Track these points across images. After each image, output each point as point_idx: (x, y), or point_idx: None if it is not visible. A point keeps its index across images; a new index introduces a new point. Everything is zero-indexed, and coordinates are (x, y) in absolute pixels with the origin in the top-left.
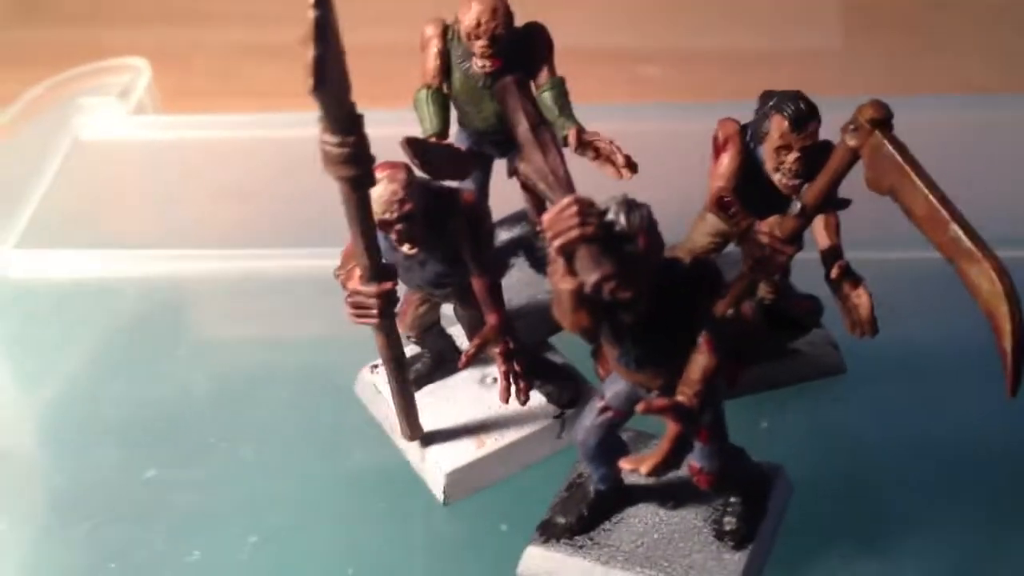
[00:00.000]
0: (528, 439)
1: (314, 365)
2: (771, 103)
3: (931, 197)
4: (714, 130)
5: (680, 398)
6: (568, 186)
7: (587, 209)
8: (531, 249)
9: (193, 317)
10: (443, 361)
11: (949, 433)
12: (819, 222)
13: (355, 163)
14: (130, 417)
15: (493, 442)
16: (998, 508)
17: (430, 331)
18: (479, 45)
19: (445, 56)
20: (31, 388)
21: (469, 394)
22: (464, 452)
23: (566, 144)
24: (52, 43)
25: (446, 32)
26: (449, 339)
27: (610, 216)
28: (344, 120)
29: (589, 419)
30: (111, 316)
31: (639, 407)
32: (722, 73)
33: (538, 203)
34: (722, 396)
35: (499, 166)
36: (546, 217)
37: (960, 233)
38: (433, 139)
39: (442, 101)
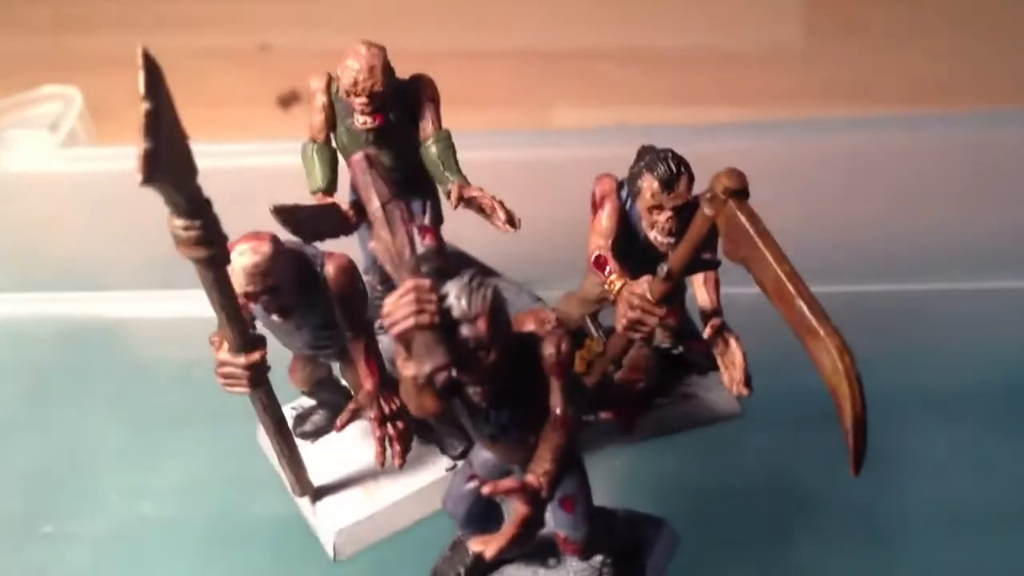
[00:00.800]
0: (421, 492)
1: (227, 412)
2: (643, 162)
3: (779, 271)
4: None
5: (529, 478)
6: (413, 269)
7: (424, 296)
8: None
9: (111, 361)
10: (338, 413)
11: (840, 484)
12: (697, 279)
13: (205, 244)
14: (35, 467)
15: (385, 496)
16: (891, 567)
17: (322, 384)
18: (358, 102)
19: (330, 110)
20: None
21: (363, 447)
22: (355, 507)
23: (449, 198)
24: None
25: (330, 86)
26: (344, 390)
27: (450, 301)
28: (188, 204)
29: (456, 488)
30: (28, 360)
31: (484, 489)
32: (683, 73)
33: (439, 251)
34: (580, 463)
35: None
36: (386, 303)
37: (804, 309)
38: (307, 202)
39: (328, 155)
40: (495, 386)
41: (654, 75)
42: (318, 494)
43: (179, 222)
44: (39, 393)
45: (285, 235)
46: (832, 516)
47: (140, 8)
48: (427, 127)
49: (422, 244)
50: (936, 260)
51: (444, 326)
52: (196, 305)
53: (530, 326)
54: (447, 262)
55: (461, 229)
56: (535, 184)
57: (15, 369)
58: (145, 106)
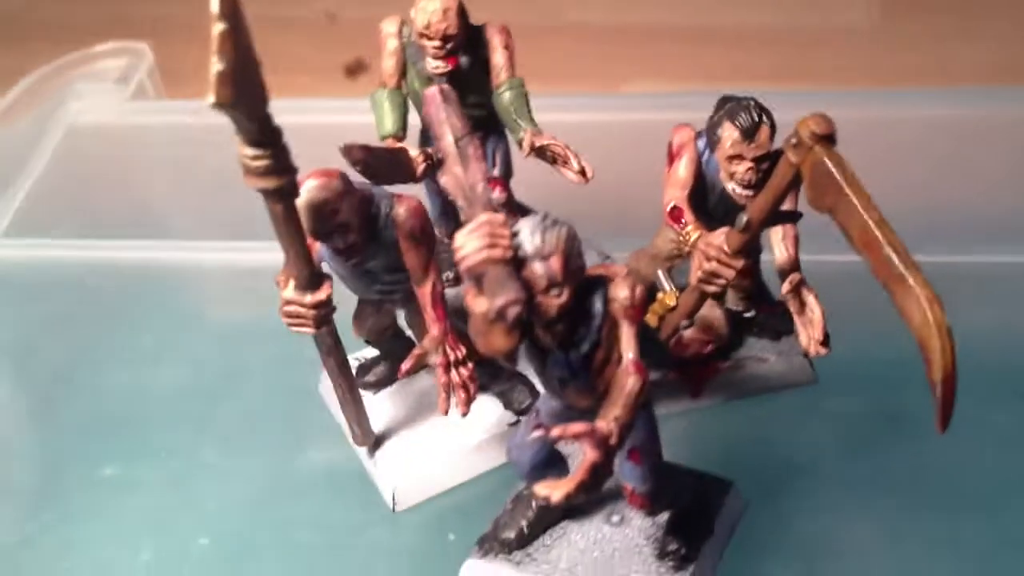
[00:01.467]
0: (483, 445)
1: (285, 360)
2: (723, 110)
3: (867, 217)
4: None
5: (600, 423)
6: (486, 204)
7: (498, 230)
8: None
9: (176, 308)
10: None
11: (913, 454)
12: (775, 233)
13: (274, 175)
14: (96, 410)
15: (447, 448)
16: (959, 534)
17: (385, 334)
18: (431, 46)
19: (401, 55)
20: (4, 376)
21: (426, 399)
22: (415, 458)
23: (521, 147)
24: (53, 21)
25: (402, 30)
26: (407, 341)
27: (523, 237)
28: (259, 133)
29: (520, 436)
30: (91, 306)
31: (552, 432)
32: (752, 53)
33: (509, 203)
34: (651, 414)
35: None
36: (457, 236)
37: (894, 257)
38: (377, 143)
39: (399, 101)
40: (566, 327)
41: (722, 55)
42: (379, 444)
43: (249, 151)
44: (104, 338)
45: (354, 175)
46: (904, 484)
47: None
48: (500, 74)
49: (493, 194)
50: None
51: (516, 261)
52: (259, 255)
53: None
54: (515, 216)
55: (529, 185)
56: (605, 145)
57: (80, 314)
58: (219, 26)
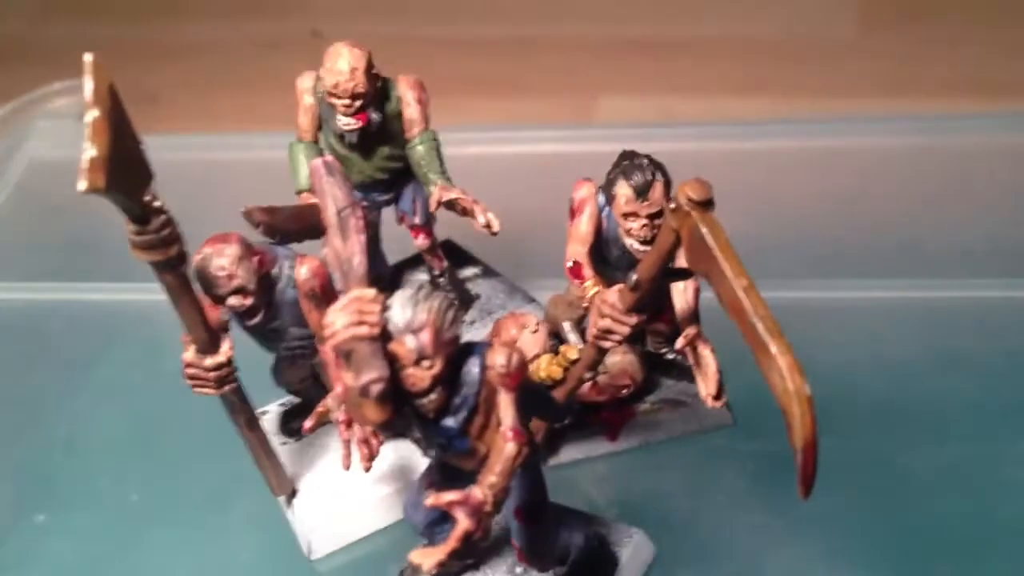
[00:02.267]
0: (397, 493)
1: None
2: (619, 168)
3: (735, 285)
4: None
5: (475, 491)
6: (360, 279)
7: (366, 306)
8: None
9: (120, 352)
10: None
11: (829, 498)
12: (676, 284)
13: (158, 248)
14: (30, 457)
15: (361, 497)
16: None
17: (305, 383)
18: (340, 104)
19: (316, 110)
20: None
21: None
22: (330, 508)
23: (430, 201)
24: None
25: (316, 86)
26: (327, 388)
27: (394, 311)
28: (140, 210)
29: (415, 495)
30: (39, 349)
31: (427, 502)
32: (731, 63)
33: (432, 249)
34: (537, 474)
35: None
36: (328, 313)
37: (759, 324)
38: (283, 203)
39: (314, 155)
40: (442, 396)
41: (702, 65)
42: (296, 493)
43: (132, 227)
44: (51, 382)
45: (255, 235)
46: (818, 530)
47: None
48: (412, 128)
49: (415, 242)
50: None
51: (386, 335)
52: None
53: (510, 330)
54: (441, 260)
55: (462, 224)
56: (542, 178)
57: (29, 357)
58: (92, 113)
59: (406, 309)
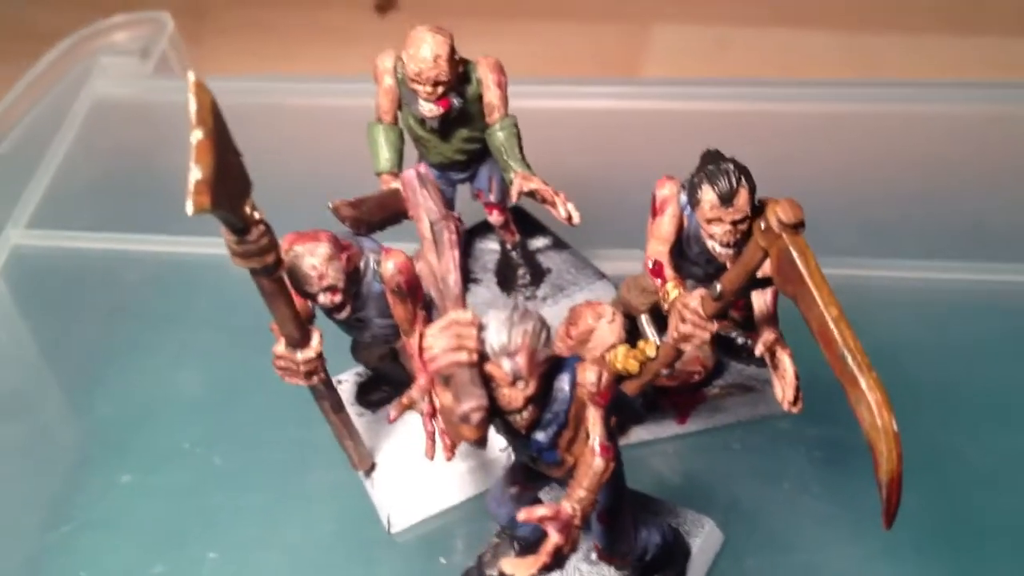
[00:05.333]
0: (474, 469)
1: None
2: (704, 172)
3: (825, 313)
4: (653, 187)
5: (564, 506)
6: (456, 299)
7: (465, 331)
8: (503, 266)
9: (193, 305)
10: (400, 385)
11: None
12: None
13: (256, 256)
14: (118, 413)
15: (440, 472)
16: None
17: (384, 360)
18: (422, 91)
19: (396, 91)
20: (33, 373)
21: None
22: (409, 483)
23: (511, 191)
24: None
25: (396, 67)
26: (405, 367)
27: (489, 334)
28: (240, 222)
29: (500, 492)
30: (111, 303)
31: (519, 516)
32: None
33: (506, 224)
34: (620, 480)
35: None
36: (427, 333)
37: (848, 357)
38: (365, 194)
39: (393, 137)
40: (533, 412)
41: None
42: (375, 467)
43: (232, 237)
44: (128, 335)
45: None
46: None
47: None
48: (493, 113)
49: (489, 218)
50: None
51: (482, 356)
52: None
53: (587, 319)
54: (514, 235)
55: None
56: (618, 137)
57: (107, 309)
58: (196, 135)
59: (501, 332)
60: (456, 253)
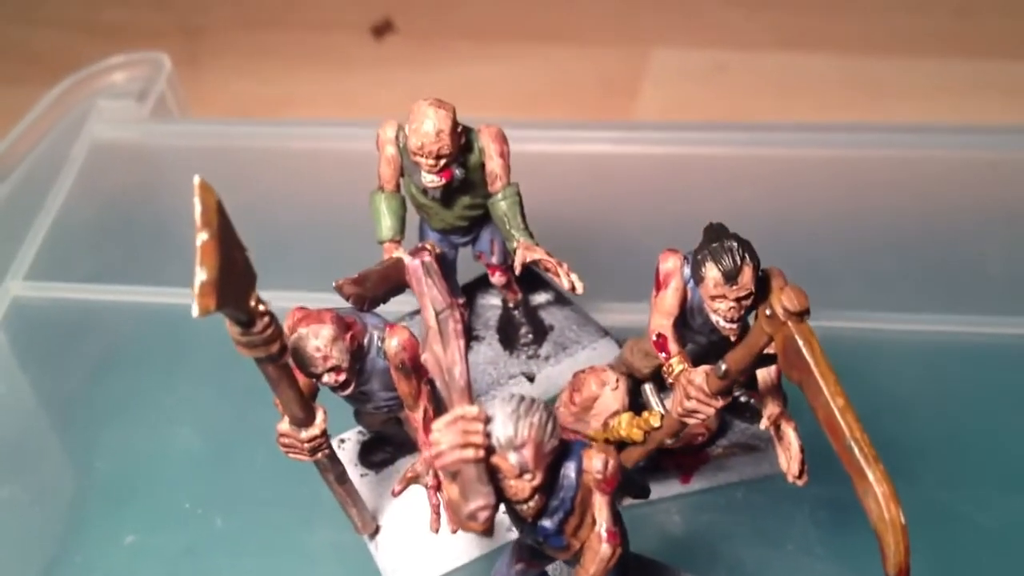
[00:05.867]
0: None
1: None
2: (707, 250)
3: (832, 403)
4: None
5: None
6: (462, 391)
7: (471, 427)
8: (505, 323)
9: (190, 359)
10: (402, 447)
11: None
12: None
13: (262, 346)
14: (113, 471)
15: (443, 533)
16: None
17: (387, 424)
18: (425, 163)
19: (399, 161)
20: (35, 429)
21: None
22: (413, 544)
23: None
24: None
25: (399, 136)
26: (407, 432)
27: (496, 427)
28: (245, 315)
29: (504, 567)
30: (111, 355)
31: None
32: (785, 14)
33: (508, 284)
34: (627, 558)
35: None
36: (434, 428)
37: (855, 449)
38: (367, 268)
39: (396, 205)
40: (539, 502)
41: (755, 16)
42: (379, 530)
43: (236, 329)
44: (129, 390)
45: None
46: None
47: None
48: (495, 182)
49: (492, 279)
50: None
51: (489, 450)
52: (283, 304)
53: (591, 386)
54: (516, 294)
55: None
56: (617, 182)
57: (107, 361)
58: (202, 236)
59: (508, 426)
60: (461, 343)
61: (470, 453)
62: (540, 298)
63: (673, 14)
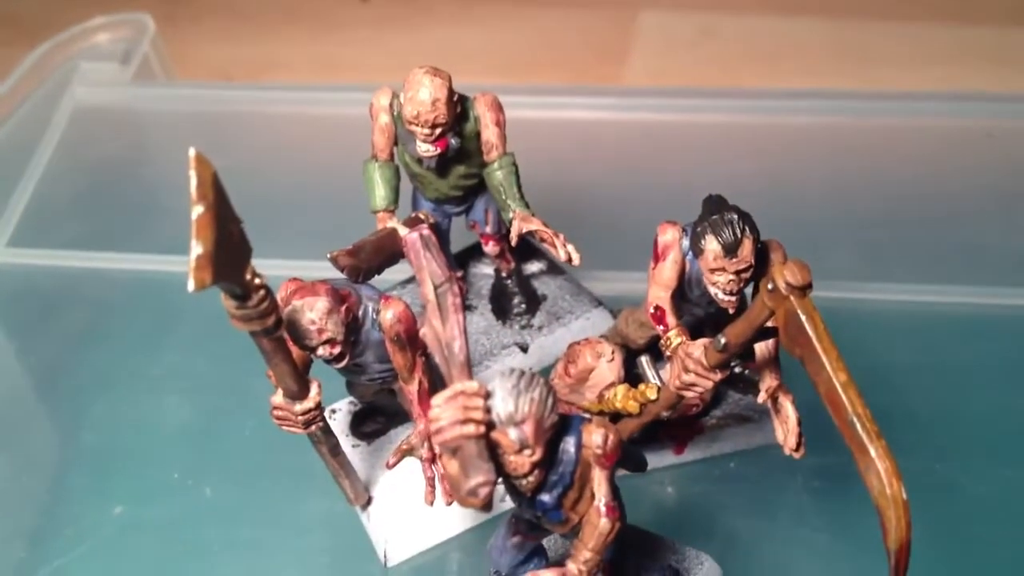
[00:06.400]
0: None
1: None
2: (708, 222)
3: (834, 378)
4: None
5: (570, 567)
6: (461, 366)
7: (471, 402)
8: (498, 293)
9: (178, 329)
10: (395, 417)
11: None
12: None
13: (257, 319)
14: (101, 442)
15: (434, 507)
16: None
17: (379, 394)
18: (420, 133)
19: (393, 129)
20: (23, 400)
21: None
22: (405, 515)
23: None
24: None
25: (393, 104)
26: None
27: (496, 402)
28: (241, 289)
29: (502, 540)
30: (96, 324)
31: None
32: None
33: (502, 254)
34: (625, 532)
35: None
36: (434, 403)
37: (857, 424)
38: (362, 239)
39: (389, 174)
40: (539, 477)
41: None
42: (371, 500)
43: (231, 302)
44: (116, 359)
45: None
46: (879, 554)
47: None
48: (491, 152)
49: (485, 248)
50: None
51: (489, 425)
52: (275, 272)
53: (586, 358)
54: (509, 263)
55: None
56: (611, 150)
57: (93, 330)
58: (198, 210)
59: (507, 402)
60: (461, 318)
61: (471, 429)
62: (533, 267)
63: None
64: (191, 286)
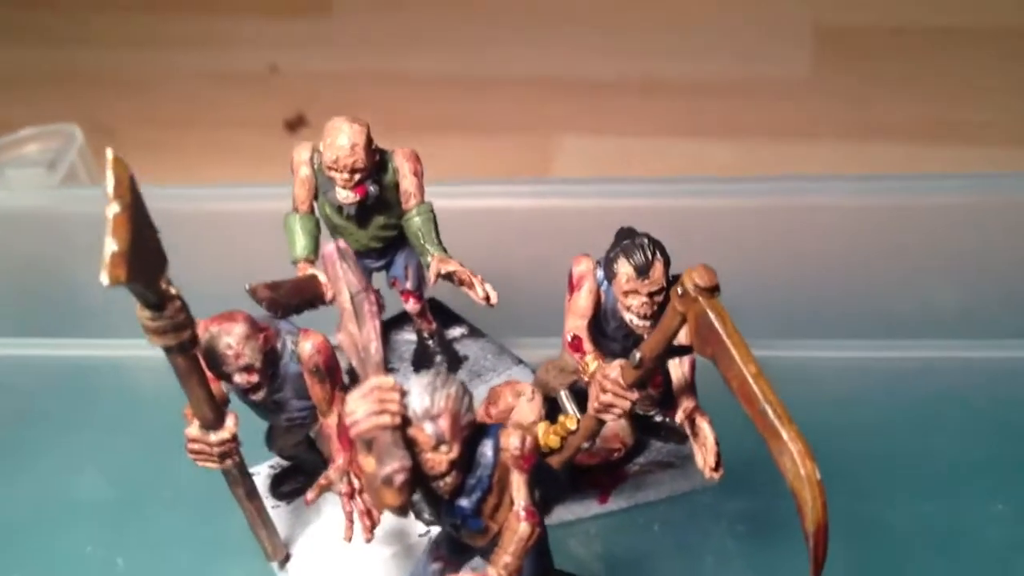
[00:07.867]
0: (392, 558)
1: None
2: (620, 247)
3: (745, 371)
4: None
5: (489, 572)
6: (377, 366)
7: (387, 395)
8: (420, 355)
9: (100, 410)
10: (315, 474)
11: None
12: (673, 360)
13: (171, 333)
14: (13, 519)
15: (356, 562)
16: None
17: (298, 448)
18: (339, 178)
19: (313, 181)
20: None
21: (339, 509)
22: (326, 571)
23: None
24: None
25: (313, 157)
26: (320, 453)
27: (412, 398)
28: (155, 298)
29: (421, 567)
30: (10, 409)
31: None
32: (689, 102)
33: (423, 313)
34: (544, 550)
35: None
36: (349, 398)
37: (769, 411)
38: (283, 277)
39: (310, 226)
40: (456, 478)
41: (660, 104)
42: (290, 558)
43: (146, 312)
44: (19, 440)
45: (258, 310)
46: None
47: (147, 28)
48: (409, 200)
49: (405, 306)
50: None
51: (405, 421)
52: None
53: (507, 398)
54: (431, 323)
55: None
56: (529, 235)
57: (5, 415)
58: (114, 208)
59: (424, 396)
60: (377, 323)
61: (386, 419)
62: (455, 332)
63: (577, 103)
64: (104, 280)
